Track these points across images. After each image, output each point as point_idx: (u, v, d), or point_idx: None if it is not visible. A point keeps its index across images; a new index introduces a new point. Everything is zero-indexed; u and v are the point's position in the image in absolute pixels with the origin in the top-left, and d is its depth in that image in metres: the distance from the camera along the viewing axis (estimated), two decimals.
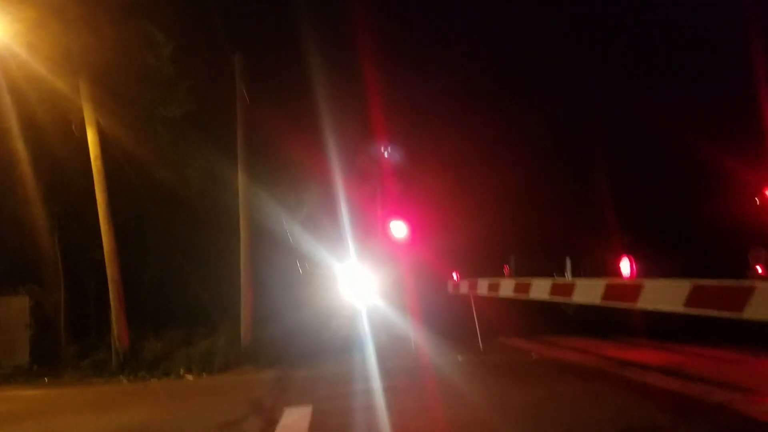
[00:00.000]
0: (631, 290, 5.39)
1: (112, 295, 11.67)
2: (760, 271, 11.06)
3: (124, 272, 11.95)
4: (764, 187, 12.87)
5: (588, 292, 6.53)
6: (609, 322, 16.60)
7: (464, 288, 11.75)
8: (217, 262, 14.02)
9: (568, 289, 7.00)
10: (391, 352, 11.77)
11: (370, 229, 17.27)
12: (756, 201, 13.10)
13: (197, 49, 13.33)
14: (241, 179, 12.52)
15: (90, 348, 12.11)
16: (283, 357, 11.51)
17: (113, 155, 12.18)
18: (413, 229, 14.78)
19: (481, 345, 11.43)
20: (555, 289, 7.50)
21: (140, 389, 9.94)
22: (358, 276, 17.05)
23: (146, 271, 14.10)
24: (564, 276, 20.09)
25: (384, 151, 17.92)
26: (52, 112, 12.12)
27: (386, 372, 9.49)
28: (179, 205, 13.86)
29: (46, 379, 11.15)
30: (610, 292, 5.93)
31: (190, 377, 10.61)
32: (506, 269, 20.32)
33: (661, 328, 13.58)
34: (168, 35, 12.69)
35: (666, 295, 5.01)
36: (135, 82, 12.48)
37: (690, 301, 4.52)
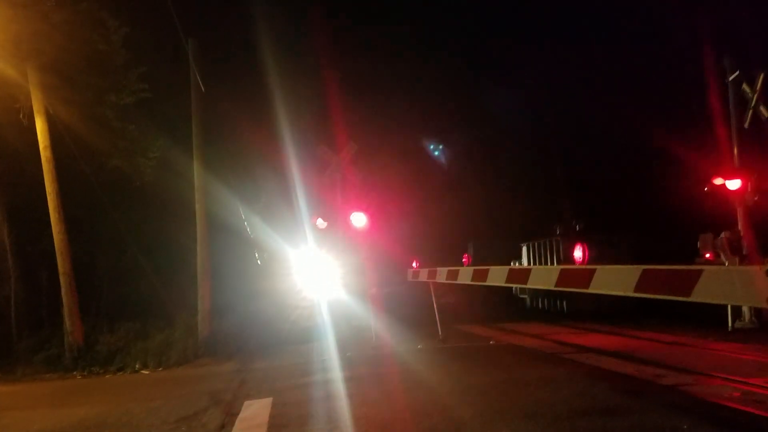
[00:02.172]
0: (583, 275, 5.52)
1: (63, 289, 11.39)
2: (708, 257, 11.39)
3: (76, 264, 11.68)
4: (713, 176, 13.23)
5: (543, 277, 6.65)
6: (564, 309, 16.99)
7: (424, 276, 11.84)
8: (173, 253, 13.83)
9: (524, 276, 7.12)
10: (352, 341, 11.80)
11: (329, 219, 17.23)
12: (705, 189, 13.46)
13: (150, 34, 13.06)
14: (197, 168, 12.33)
15: (43, 342, 11.81)
16: (242, 349, 11.44)
17: (64, 144, 11.85)
18: (373, 218, 14.78)
19: (440, 332, 11.53)
20: (511, 276, 7.63)
21: (95, 384, 9.76)
22: (318, 266, 17.01)
23: (100, 262, 13.81)
24: (520, 262, 20.47)
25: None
26: (0, 100, 11.73)
27: (346, 362, 9.51)
28: (133, 195, 13.60)
29: None
30: (564, 277, 6.06)
31: (146, 371, 10.46)
32: (466, 258, 20.57)
33: (615, 314, 13.94)
34: (119, 20, 12.38)
35: (617, 280, 5.15)
36: (86, 68, 12.15)
37: (640, 286, 4.64)
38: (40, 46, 11.24)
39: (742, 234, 11.51)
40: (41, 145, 11.38)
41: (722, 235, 10.97)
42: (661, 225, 18.26)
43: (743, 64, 13.66)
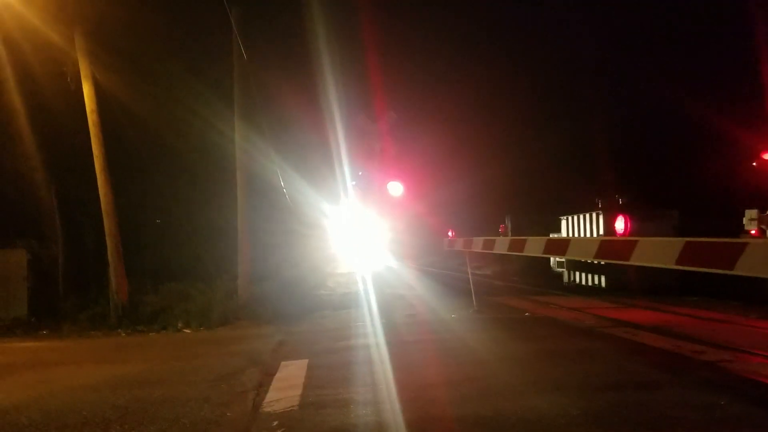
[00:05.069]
0: (625, 247, 5.45)
1: (109, 249, 11.72)
2: (754, 233, 11.12)
3: (122, 226, 11.98)
4: (762, 151, 12.80)
5: (582, 248, 6.58)
6: (602, 284, 16.80)
7: (459, 245, 11.83)
8: (214, 219, 14.08)
9: (563, 246, 7.05)
10: (388, 309, 11.90)
11: (368, 188, 17.29)
12: (754, 165, 13.05)
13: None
14: (238, 136, 12.45)
15: (88, 301, 12.20)
16: (280, 313, 11.64)
17: (110, 108, 12.09)
18: (410, 188, 14.78)
19: (474, 302, 11.54)
20: (550, 246, 7.56)
21: (139, 342, 10.06)
22: (357, 236, 17.14)
23: (145, 225, 14.16)
24: (560, 234, 20.27)
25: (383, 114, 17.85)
26: (47, 65, 11.99)
27: (382, 328, 9.61)
28: (177, 159, 13.84)
29: (44, 332, 11.26)
30: (604, 248, 5.98)
31: (188, 331, 10.74)
32: (502, 228, 20.45)
33: (655, 290, 13.73)
34: None
35: (659, 252, 5.06)
36: (130, 34, 12.31)
37: (682, 259, 4.56)
38: (86, 12, 11.41)
39: None
40: (88, 109, 11.63)
41: None
42: (706, 201, 17.84)
43: None
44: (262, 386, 5.93)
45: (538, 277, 19.32)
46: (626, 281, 15.01)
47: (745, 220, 11.46)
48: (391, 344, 8.03)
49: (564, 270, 20.22)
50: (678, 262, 4.59)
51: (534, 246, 7.87)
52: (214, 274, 13.04)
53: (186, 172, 14.15)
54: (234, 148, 12.49)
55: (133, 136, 12.80)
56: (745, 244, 4.03)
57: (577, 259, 6.82)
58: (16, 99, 12.07)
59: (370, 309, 12.07)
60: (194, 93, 13.80)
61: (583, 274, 18.55)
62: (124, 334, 10.81)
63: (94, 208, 12.01)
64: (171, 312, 11.39)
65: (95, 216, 12.03)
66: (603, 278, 16.97)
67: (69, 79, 11.94)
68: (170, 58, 13.32)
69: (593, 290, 16.71)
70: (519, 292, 15.16)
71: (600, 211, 17.33)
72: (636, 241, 5.28)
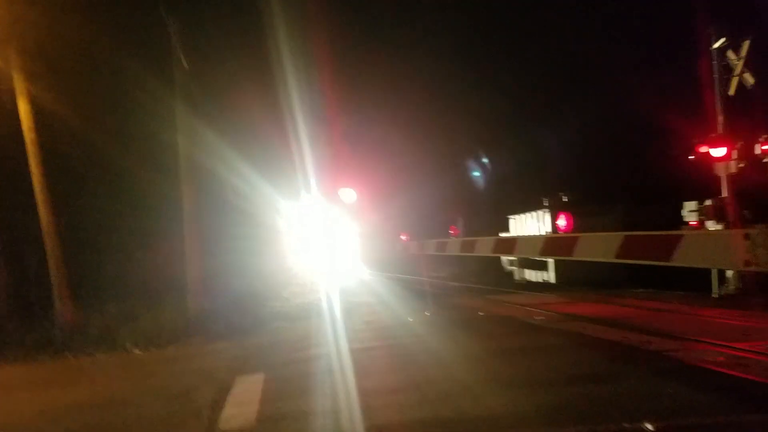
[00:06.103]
0: (567, 243, 5.60)
1: (52, 271, 11.35)
2: (694, 224, 11.51)
3: (65, 246, 11.61)
4: (697, 145, 13.24)
5: (528, 246, 6.73)
6: (552, 280, 17.15)
7: (413, 248, 11.92)
8: (162, 232, 13.77)
9: (511, 245, 7.19)
10: (345, 316, 11.86)
11: (323, 193, 17.24)
12: (690, 157, 13.49)
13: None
14: (182, 146, 12.18)
15: (34, 325, 11.76)
16: (235, 326, 11.44)
17: (46, 126, 11.70)
18: (363, 193, 14.80)
19: (431, 305, 11.61)
20: (498, 246, 7.70)
21: (87, 365, 9.75)
22: (312, 243, 17.03)
23: (88, 243, 13.74)
24: (508, 233, 20.62)
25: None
26: None
27: (339, 336, 9.57)
28: (121, 174, 13.49)
29: None
30: (549, 245, 6.13)
31: (137, 351, 10.45)
32: (453, 230, 20.68)
33: (603, 283, 14.07)
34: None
35: (599, 247, 5.22)
36: (67, 52, 11.95)
37: (622, 252, 4.70)
38: (23, 30, 11.03)
39: (727, 201, 11.61)
40: (25, 127, 11.23)
41: (707, 202, 11.11)
42: (649, 194, 18.39)
43: (730, 31, 13.66)
44: (218, 403, 5.82)
45: (491, 276, 19.56)
46: (575, 276, 15.33)
47: (684, 212, 11.89)
48: (348, 352, 8.01)
49: (515, 268, 20.54)
50: (618, 256, 4.74)
51: (484, 246, 8.00)
52: (162, 289, 12.75)
53: (130, 185, 13.79)
54: (180, 158, 12.23)
55: (73, 153, 12.43)
56: (680, 237, 4.18)
57: (524, 257, 6.95)
58: None
59: (326, 317, 12.00)
60: (138, 103, 13.43)
61: (533, 272, 18.88)
62: (71, 358, 10.45)
63: (34, 229, 11.61)
64: (119, 332, 11.02)
65: (36, 238, 11.63)
66: (552, 274, 17.31)
67: (1, 97, 11.52)
68: (110, 68, 12.96)
69: (544, 286, 17.01)
70: (473, 292, 15.29)
71: (547, 210, 17.69)
72: (577, 237, 5.44)
